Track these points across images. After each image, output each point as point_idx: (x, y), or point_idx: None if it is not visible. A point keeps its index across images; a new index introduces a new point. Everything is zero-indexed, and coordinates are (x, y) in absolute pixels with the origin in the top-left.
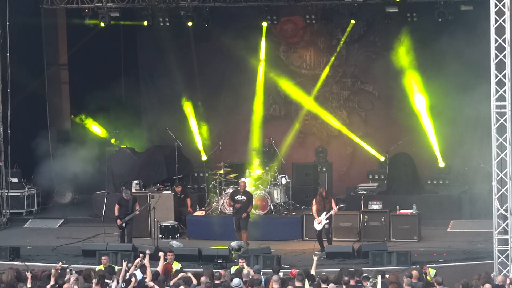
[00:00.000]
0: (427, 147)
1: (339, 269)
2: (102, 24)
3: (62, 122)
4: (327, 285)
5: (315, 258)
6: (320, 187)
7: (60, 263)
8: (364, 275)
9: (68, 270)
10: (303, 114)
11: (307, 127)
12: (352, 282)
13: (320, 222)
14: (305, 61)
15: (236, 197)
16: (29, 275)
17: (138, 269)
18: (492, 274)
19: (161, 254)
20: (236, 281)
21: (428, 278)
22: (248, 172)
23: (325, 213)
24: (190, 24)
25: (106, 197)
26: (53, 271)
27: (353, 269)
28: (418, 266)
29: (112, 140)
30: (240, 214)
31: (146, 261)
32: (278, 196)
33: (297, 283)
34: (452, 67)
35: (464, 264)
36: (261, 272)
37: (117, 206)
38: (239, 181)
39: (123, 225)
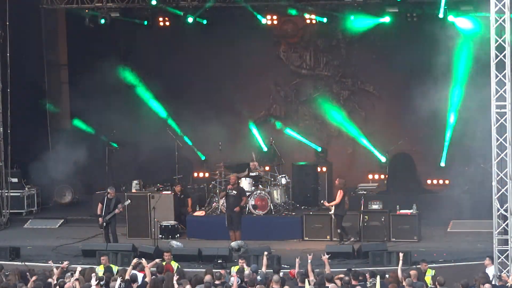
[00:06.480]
0: (427, 147)
1: (337, 269)
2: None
3: (62, 122)
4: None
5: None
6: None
7: (66, 262)
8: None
9: (69, 274)
10: (303, 114)
11: (307, 127)
12: (354, 282)
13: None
14: (305, 61)
15: (227, 192)
16: (34, 278)
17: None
18: (492, 274)
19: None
20: (232, 279)
21: (427, 278)
22: (247, 172)
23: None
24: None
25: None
26: (56, 270)
27: (358, 269)
28: (418, 266)
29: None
30: (232, 210)
31: (144, 262)
32: (278, 196)
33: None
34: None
35: (464, 264)
36: (259, 272)
37: (99, 205)
38: (230, 176)
39: (104, 224)
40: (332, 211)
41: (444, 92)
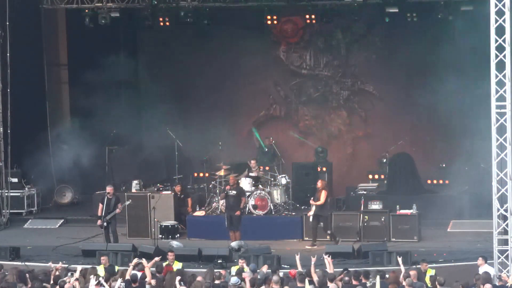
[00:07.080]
0: (427, 147)
1: (337, 269)
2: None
3: (62, 122)
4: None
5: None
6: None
7: (60, 263)
8: (365, 271)
9: (69, 274)
10: (303, 114)
11: (307, 127)
12: (355, 282)
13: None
14: (305, 61)
15: (227, 192)
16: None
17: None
18: (492, 274)
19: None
20: (234, 279)
21: (426, 279)
22: (247, 172)
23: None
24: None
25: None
26: (54, 270)
27: (357, 269)
28: (418, 266)
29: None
30: (232, 210)
31: (144, 262)
32: (278, 196)
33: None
34: (452, 68)
35: (464, 264)
36: (257, 271)
37: (100, 206)
38: (229, 176)
39: (105, 224)
40: (312, 212)
41: (444, 92)
